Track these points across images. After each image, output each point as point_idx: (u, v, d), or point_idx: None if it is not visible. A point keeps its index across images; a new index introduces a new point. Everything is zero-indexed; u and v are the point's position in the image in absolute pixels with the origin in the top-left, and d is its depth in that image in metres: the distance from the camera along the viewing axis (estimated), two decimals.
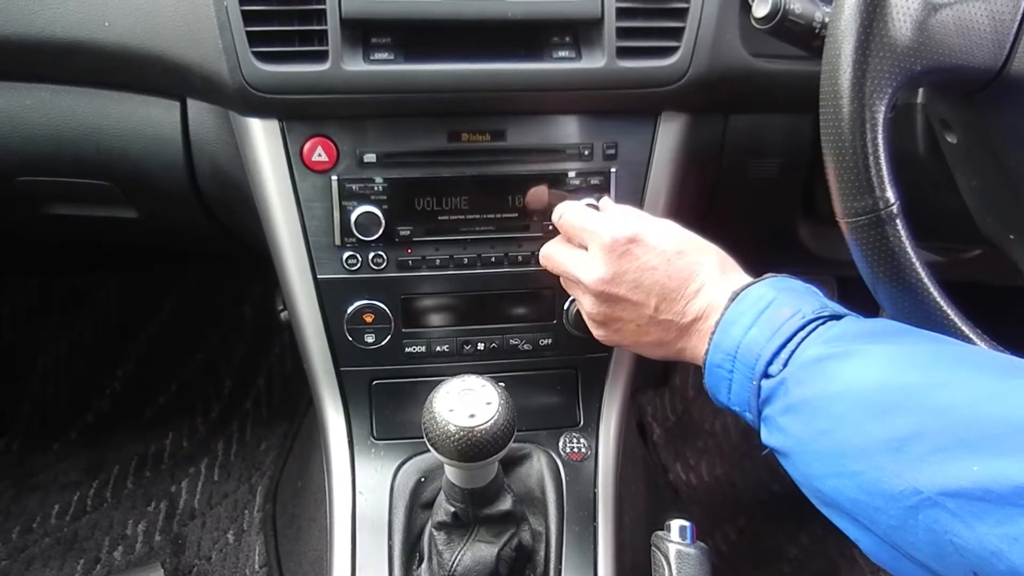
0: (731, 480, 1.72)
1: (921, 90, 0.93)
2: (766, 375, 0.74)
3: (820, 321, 0.75)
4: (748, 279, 0.85)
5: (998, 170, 0.85)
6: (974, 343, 0.74)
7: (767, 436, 0.75)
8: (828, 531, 1.58)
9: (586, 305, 0.93)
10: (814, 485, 0.69)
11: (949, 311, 0.74)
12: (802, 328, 0.74)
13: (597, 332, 0.95)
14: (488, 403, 0.79)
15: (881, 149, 0.71)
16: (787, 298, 0.78)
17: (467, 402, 0.79)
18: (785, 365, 0.73)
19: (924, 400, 0.62)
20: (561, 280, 0.99)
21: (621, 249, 0.87)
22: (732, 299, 0.81)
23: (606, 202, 1.00)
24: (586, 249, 0.92)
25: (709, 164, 1.11)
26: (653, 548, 0.82)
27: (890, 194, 0.71)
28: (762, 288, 0.80)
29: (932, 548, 0.58)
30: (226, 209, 1.13)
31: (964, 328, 0.74)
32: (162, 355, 1.91)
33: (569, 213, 0.97)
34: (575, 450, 1.06)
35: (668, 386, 1.89)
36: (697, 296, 0.85)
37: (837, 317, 0.76)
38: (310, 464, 1.31)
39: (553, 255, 0.98)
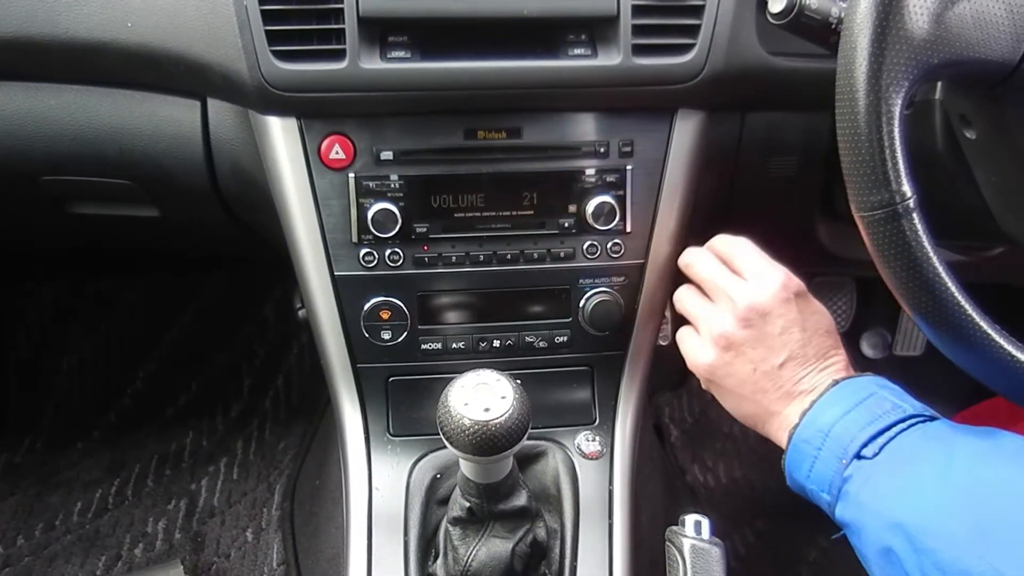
0: (749, 482, 1.71)
1: (939, 86, 0.92)
2: (859, 456, 0.76)
3: (921, 419, 0.77)
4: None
5: (1018, 165, 0.85)
6: (993, 339, 0.73)
7: (842, 511, 0.77)
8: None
9: (719, 327, 0.90)
10: (885, 559, 0.70)
11: (968, 307, 0.73)
12: (902, 420, 0.76)
13: (708, 356, 0.92)
14: (503, 397, 0.79)
15: (897, 142, 0.70)
16: (888, 394, 0.80)
17: (482, 396, 0.79)
18: (880, 450, 0.75)
19: (1017, 492, 0.65)
20: (686, 293, 0.98)
21: (788, 294, 0.89)
22: (832, 384, 0.83)
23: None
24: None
25: (726, 162, 1.11)
26: (667, 543, 0.82)
27: (907, 188, 0.70)
28: (864, 381, 0.83)
29: None
30: (245, 207, 1.14)
31: (983, 324, 0.73)
32: (183, 356, 1.93)
33: (738, 240, 0.96)
34: (591, 448, 1.06)
35: (686, 387, 1.88)
36: (819, 374, 0.87)
37: (936, 419, 0.78)
38: (328, 463, 1.32)
39: (707, 264, 0.96)
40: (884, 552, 0.70)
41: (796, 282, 0.91)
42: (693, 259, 0.99)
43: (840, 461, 0.76)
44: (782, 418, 0.86)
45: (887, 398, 0.79)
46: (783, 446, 0.85)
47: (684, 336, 0.98)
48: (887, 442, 0.75)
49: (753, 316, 0.88)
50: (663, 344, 1.12)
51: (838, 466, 0.77)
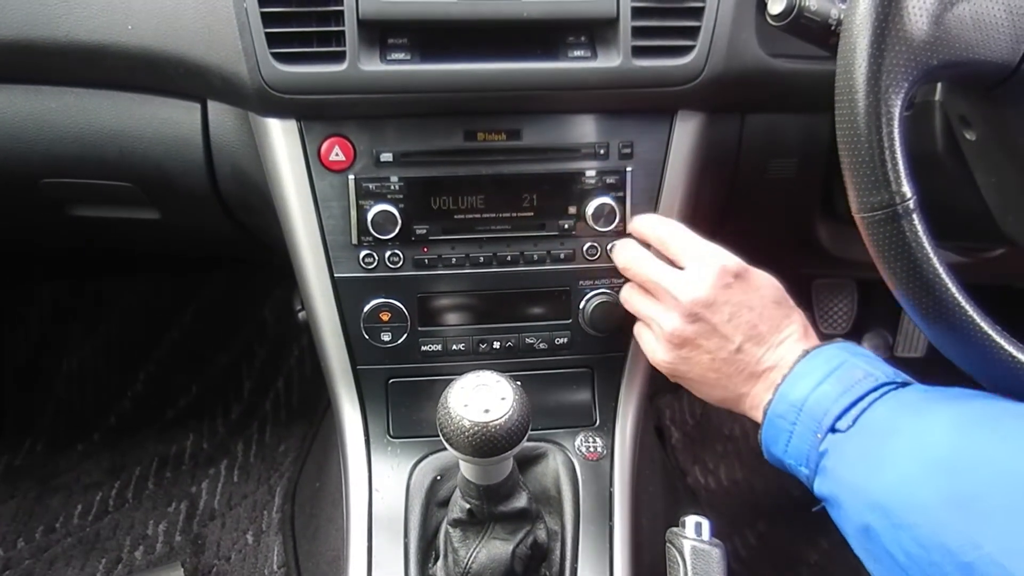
0: (750, 485, 1.71)
1: (939, 87, 0.92)
2: (833, 429, 0.75)
3: (893, 386, 0.76)
4: (821, 342, 0.86)
5: (1017, 166, 0.85)
6: (993, 339, 0.73)
7: (820, 485, 0.76)
8: None
9: (667, 324, 0.90)
10: (866, 535, 0.70)
11: (968, 307, 0.73)
12: (875, 389, 0.76)
13: (666, 355, 0.92)
14: (503, 399, 0.79)
15: (897, 143, 0.70)
16: (860, 361, 0.80)
17: (482, 397, 0.79)
18: (854, 422, 0.74)
19: (995, 462, 0.64)
20: (630, 292, 0.98)
21: (728, 279, 0.88)
22: (803, 355, 0.83)
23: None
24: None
25: (726, 164, 1.11)
26: (668, 544, 0.82)
27: (906, 188, 0.70)
28: (834, 349, 0.82)
29: None
30: (245, 209, 1.14)
31: (983, 325, 0.73)
32: (183, 359, 1.93)
33: (668, 226, 0.96)
34: (591, 449, 1.06)
35: (687, 390, 1.88)
36: (778, 347, 0.86)
37: (907, 384, 0.78)
38: (328, 465, 1.32)
39: (644, 264, 0.95)
40: (863, 529, 0.70)
41: (734, 262, 0.90)
42: (628, 261, 0.98)
43: (815, 435, 0.76)
44: (752, 397, 0.86)
45: (858, 366, 0.79)
46: (759, 422, 0.84)
47: (640, 334, 0.98)
48: (860, 414, 0.74)
49: (698, 309, 0.87)
50: None
51: (814, 440, 0.76)
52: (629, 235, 1.02)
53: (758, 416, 0.84)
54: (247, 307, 1.99)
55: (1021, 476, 0.62)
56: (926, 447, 0.68)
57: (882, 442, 0.71)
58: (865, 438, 0.73)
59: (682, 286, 0.89)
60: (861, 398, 0.75)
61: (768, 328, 0.87)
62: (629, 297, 0.99)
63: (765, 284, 0.90)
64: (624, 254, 0.99)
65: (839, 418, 0.75)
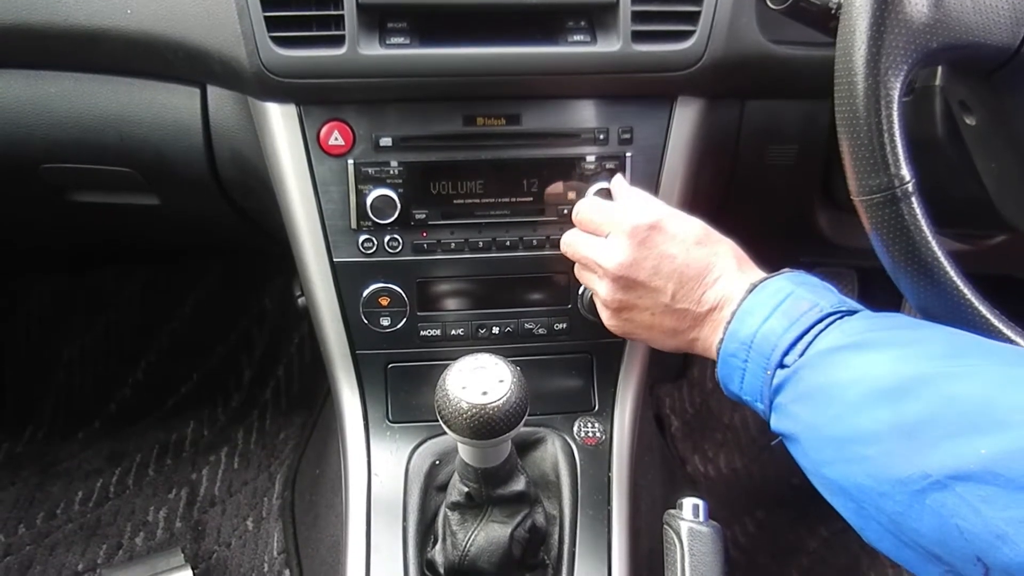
0: (749, 473, 1.71)
1: (939, 73, 0.92)
2: (781, 365, 0.74)
3: (838, 316, 0.75)
4: (763, 273, 0.85)
5: (1017, 152, 0.84)
6: (992, 323, 0.73)
7: (776, 422, 0.75)
8: (848, 524, 1.57)
9: (602, 292, 0.92)
10: (822, 471, 0.70)
11: (966, 290, 0.73)
12: (820, 321, 0.75)
13: (611, 321, 0.94)
14: (501, 381, 0.79)
15: (896, 126, 0.70)
16: (805, 292, 0.78)
17: (480, 380, 0.79)
18: (801, 355, 0.73)
19: (937, 388, 0.63)
20: (576, 268, 0.99)
21: (642, 235, 0.88)
22: (749, 290, 0.81)
23: (619, 183, 1.00)
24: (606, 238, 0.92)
25: (725, 150, 1.11)
26: (665, 526, 0.82)
27: (905, 172, 0.70)
28: (780, 281, 0.81)
29: (937, 534, 0.58)
30: (245, 194, 1.14)
31: (981, 308, 0.73)
32: (184, 347, 1.93)
33: (585, 207, 0.97)
34: (590, 434, 1.06)
35: (686, 378, 1.88)
36: (714, 286, 0.85)
37: (853, 312, 0.77)
38: (328, 453, 1.32)
39: (574, 242, 0.98)
40: (820, 463, 0.69)
41: (647, 215, 0.89)
42: (565, 245, 0.99)
43: (765, 372, 0.76)
44: (703, 340, 0.86)
45: (804, 296, 0.77)
46: (715, 360, 0.84)
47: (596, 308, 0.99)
48: (806, 348, 0.73)
49: (623, 272, 0.88)
50: None
51: (765, 377, 0.76)
52: None
53: (713, 355, 0.84)
54: (247, 296, 1.99)
55: (959, 400, 0.61)
56: (870, 378, 0.66)
57: (829, 376, 0.70)
58: (812, 372, 0.72)
59: (604, 255, 0.90)
60: (807, 331, 0.74)
61: (696, 271, 0.86)
62: (578, 274, 1.00)
63: (683, 228, 0.89)
64: (564, 238, 1.00)
65: (786, 353, 0.74)
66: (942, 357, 0.66)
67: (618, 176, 1.01)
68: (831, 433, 0.68)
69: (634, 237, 0.88)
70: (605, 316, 0.95)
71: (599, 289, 0.93)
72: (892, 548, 0.64)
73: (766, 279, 0.82)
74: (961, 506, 0.56)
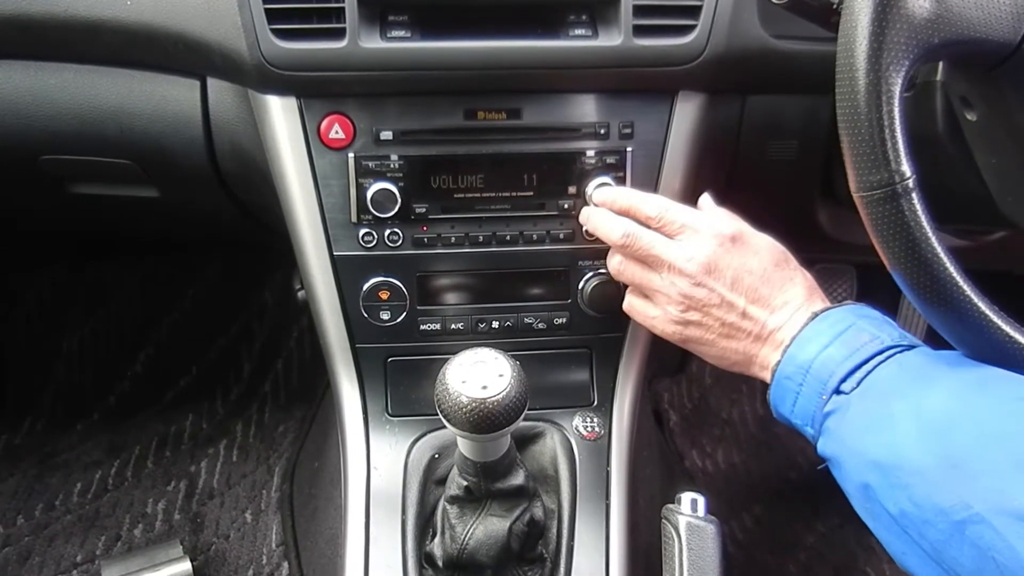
0: (748, 468, 1.71)
1: (940, 68, 0.92)
2: (838, 391, 0.76)
3: (898, 349, 0.77)
4: (828, 304, 0.87)
5: (1017, 147, 0.84)
6: (990, 319, 0.73)
7: (824, 446, 0.78)
8: (845, 520, 1.58)
9: (676, 291, 0.89)
10: (865, 495, 0.71)
11: (966, 287, 0.73)
12: (880, 353, 0.77)
13: (670, 327, 0.92)
14: (500, 375, 0.79)
15: (897, 122, 0.70)
16: (866, 324, 0.80)
17: (480, 374, 0.79)
18: (859, 384, 0.75)
19: (986, 425, 0.65)
20: (616, 263, 0.96)
21: (725, 242, 0.89)
22: (811, 318, 0.83)
23: (706, 199, 0.98)
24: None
25: (726, 145, 1.11)
26: (663, 520, 0.82)
27: (906, 168, 0.70)
28: (842, 312, 0.83)
29: (975, 564, 0.60)
30: (245, 187, 1.14)
31: (980, 304, 0.73)
32: (183, 340, 1.93)
33: (659, 200, 0.94)
34: (589, 429, 1.07)
35: (685, 373, 1.88)
36: (783, 309, 0.87)
37: (912, 347, 0.78)
38: (327, 446, 1.32)
39: (640, 235, 0.92)
40: (863, 487, 0.71)
41: (729, 226, 0.90)
42: (628, 236, 0.93)
43: (820, 397, 0.77)
44: (760, 358, 0.87)
45: (865, 328, 0.79)
46: (768, 383, 0.85)
47: (636, 306, 0.97)
48: (865, 376, 0.75)
49: (702, 277, 0.88)
50: None
51: (819, 401, 0.77)
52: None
53: (767, 377, 0.85)
54: (247, 289, 1.99)
55: (1007, 438, 0.63)
56: (923, 410, 0.69)
57: (883, 404, 0.72)
58: (868, 400, 0.74)
59: (680, 253, 0.89)
60: (866, 361, 0.76)
61: (770, 291, 0.87)
62: (624, 269, 0.97)
63: (764, 247, 0.91)
64: (619, 228, 0.94)
65: (844, 380, 0.76)
66: (994, 396, 0.68)
67: (705, 194, 0.99)
68: (878, 458, 0.70)
69: (719, 241, 0.88)
70: (666, 323, 0.92)
71: (671, 290, 0.90)
72: None
73: (828, 309, 0.84)
74: (999, 540, 0.58)
